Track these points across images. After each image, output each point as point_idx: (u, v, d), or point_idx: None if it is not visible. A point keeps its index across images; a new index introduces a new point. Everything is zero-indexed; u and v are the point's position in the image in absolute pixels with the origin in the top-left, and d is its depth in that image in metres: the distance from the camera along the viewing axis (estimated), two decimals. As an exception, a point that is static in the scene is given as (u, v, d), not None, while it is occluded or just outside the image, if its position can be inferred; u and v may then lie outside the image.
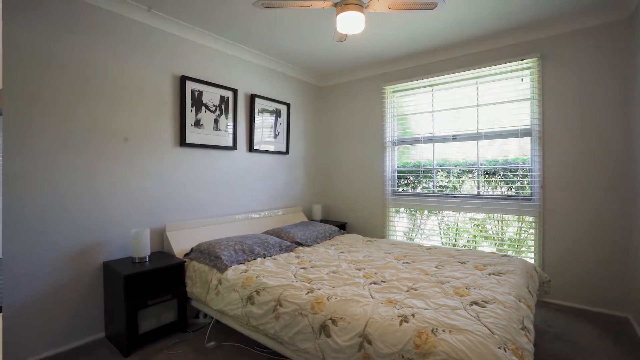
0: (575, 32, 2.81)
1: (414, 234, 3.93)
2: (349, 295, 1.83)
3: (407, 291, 1.88)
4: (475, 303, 1.69)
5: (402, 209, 3.95)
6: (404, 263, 2.45)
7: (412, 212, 3.93)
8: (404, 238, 3.94)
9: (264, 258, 2.61)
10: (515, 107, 3.11)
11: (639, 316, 2.40)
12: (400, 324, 1.51)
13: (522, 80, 3.05)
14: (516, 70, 3.07)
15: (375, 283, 2.04)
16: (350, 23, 2.07)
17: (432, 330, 1.43)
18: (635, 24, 2.47)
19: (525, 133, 3.05)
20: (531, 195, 3.05)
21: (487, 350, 1.30)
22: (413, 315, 1.56)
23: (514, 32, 3.00)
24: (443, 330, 1.43)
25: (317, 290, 1.92)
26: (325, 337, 1.64)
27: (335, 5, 2.06)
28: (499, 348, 1.33)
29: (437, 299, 1.75)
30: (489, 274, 2.13)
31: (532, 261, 3.04)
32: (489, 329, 1.43)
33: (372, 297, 1.81)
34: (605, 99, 2.71)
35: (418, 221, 3.92)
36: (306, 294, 1.87)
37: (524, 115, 3.06)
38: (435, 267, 2.34)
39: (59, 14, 2.20)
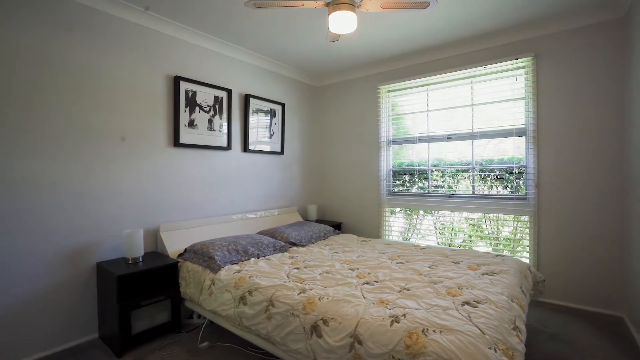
0: (570, 31, 2.81)
1: (409, 234, 3.93)
2: (340, 295, 1.82)
3: (400, 291, 1.88)
4: (467, 303, 1.69)
5: (397, 209, 3.95)
6: (397, 263, 2.45)
7: (408, 212, 3.93)
8: (400, 238, 3.94)
9: (258, 258, 2.60)
10: (509, 107, 3.11)
11: (634, 316, 2.40)
12: (391, 324, 1.50)
13: (516, 79, 3.05)
14: (510, 69, 3.07)
15: (368, 283, 2.03)
16: (342, 23, 2.06)
17: (423, 331, 1.43)
18: (629, 23, 2.47)
19: (520, 132, 3.05)
20: (526, 195, 3.05)
21: (477, 351, 1.30)
22: (404, 315, 1.55)
23: (508, 31, 3.00)
24: (434, 331, 1.43)
25: (309, 290, 1.91)
26: (316, 337, 1.64)
27: (327, 4, 2.05)
28: (490, 348, 1.32)
29: (429, 299, 1.74)
30: (482, 274, 2.13)
31: (527, 261, 3.04)
32: (479, 329, 1.43)
33: (364, 298, 1.80)
34: (600, 98, 2.71)
35: (414, 221, 3.92)
36: (298, 294, 1.87)
37: (518, 114, 3.06)
38: (429, 267, 2.34)
39: (52, 15, 2.19)
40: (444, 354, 1.31)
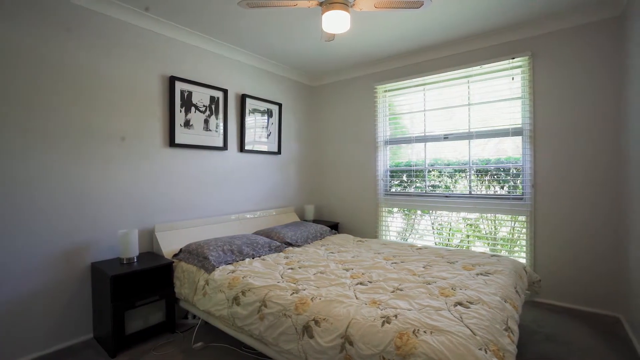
0: (567, 30, 2.79)
1: (407, 234, 3.92)
2: (333, 295, 1.82)
3: (393, 292, 1.87)
4: (460, 304, 1.68)
5: (395, 209, 3.94)
6: (392, 263, 2.44)
7: (406, 212, 3.92)
8: (398, 238, 3.93)
9: (253, 258, 2.59)
10: (506, 106, 3.10)
11: (631, 316, 2.39)
12: (382, 324, 1.49)
13: (512, 79, 3.03)
14: (507, 69, 3.05)
15: (361, 283, 2.02)
16: (336, 22, 2.06)
17: (414, 332, 1.42)
18: (626, 22, 2.46)
19: (517, 132, 3.04)
20: (523, 195, 3.04)
21: (467, 352, 1.29)
22: (396, 316, 1.55)
23: (505, 31, 2.99)
24: (424, 332, 1.42)
25: (302, 290, 1.90)
26: (308, 338, 1.63)
27: (321, 4, 2.05)
28: (480, 349, 1.32)
29: (421, 300, 1.73)
30: (477, 274, 2.12)
31: (524, 261, 3.03)
32: (470, 330, 1.42)
33: (357, 298, 1.79)
34: (596, 97, 2.69)
35: (412, 221, 3.91)
36: (291, 294, 1.86)
37: (515, 114, 3.05)
38: (424, 267, 2.33)
39: (51, 16, 2.20)
40: (434, 355, 1.30)
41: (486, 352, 1.31)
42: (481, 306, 1.64)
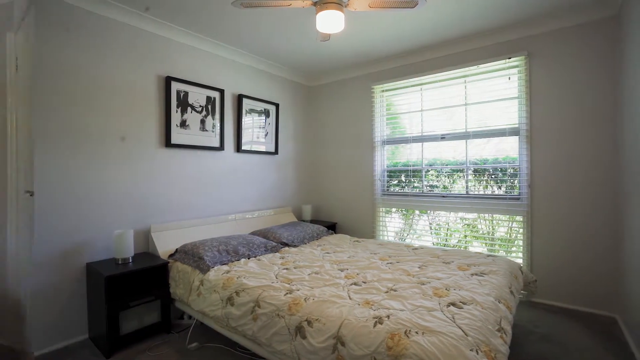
0: (563, 30, 2.78)
1: (405, 234, 3.91)
2: (327, 296, 1.81)
3: (387, 292, 1.87)
4: (453, 304, 1.67)
5: (393, 209, 3.93)
6: (387, 264, 2.43)
7: (404, 212, 3.91)
8: (396, 238, 3.92)
9: (248, 259, 2.59)
10: (503, 106, 3.09)
11: (627, 316, 2.38)
12: (375, 325, 1.49)
13: (509, 78, 3.02)
14: (503, 68, 3.05)
15: (355, 284, 2.02)
16: (330, 22, 2.05)
17: (405, 332, 1.42)
18: (622, 21, 2.45)
19: (513, 132, 3.03)
20: (519, 195, 3.03)
21: (458, 353, 1.29)
22: (388, 316, 1.54)
23: (500, 30, 2.98)
24: (416, 332, 1.41)
25: (296, 291, 1.90)
26: (300, 338, 1.63)
27: (315, 4, 2.04)
28: (471, 350, 1.31)
29: (414, 300, 1.73)
30: (471, 275, 2.12)
31: (521, 261, 3.02)
32: (463, 330, 1.42)
33: (350, 298, 1.79)
34: (593, 96, 2.69)
35: (410, 221, 3.90)
36: (285, 294, 1.86)
37: (512, 113, 3.04)
38: (419, 267, 2.32)
39: (49, 17, 2.21)
40: (425, 355, 1.29)
41: (477, 352, 1.31)
42: (474, 307, 1.63)
